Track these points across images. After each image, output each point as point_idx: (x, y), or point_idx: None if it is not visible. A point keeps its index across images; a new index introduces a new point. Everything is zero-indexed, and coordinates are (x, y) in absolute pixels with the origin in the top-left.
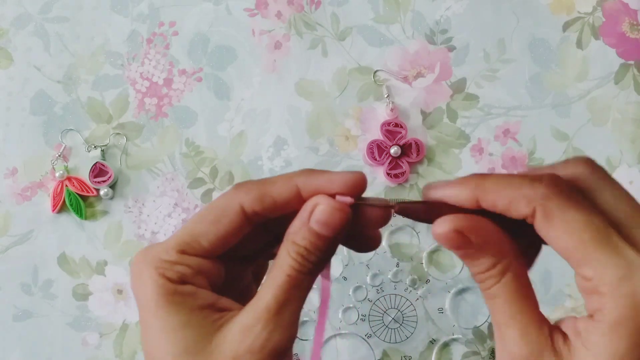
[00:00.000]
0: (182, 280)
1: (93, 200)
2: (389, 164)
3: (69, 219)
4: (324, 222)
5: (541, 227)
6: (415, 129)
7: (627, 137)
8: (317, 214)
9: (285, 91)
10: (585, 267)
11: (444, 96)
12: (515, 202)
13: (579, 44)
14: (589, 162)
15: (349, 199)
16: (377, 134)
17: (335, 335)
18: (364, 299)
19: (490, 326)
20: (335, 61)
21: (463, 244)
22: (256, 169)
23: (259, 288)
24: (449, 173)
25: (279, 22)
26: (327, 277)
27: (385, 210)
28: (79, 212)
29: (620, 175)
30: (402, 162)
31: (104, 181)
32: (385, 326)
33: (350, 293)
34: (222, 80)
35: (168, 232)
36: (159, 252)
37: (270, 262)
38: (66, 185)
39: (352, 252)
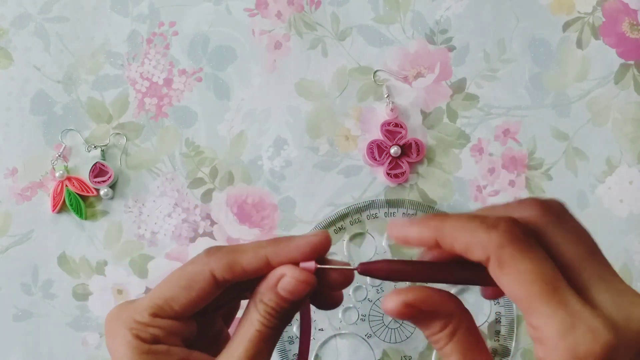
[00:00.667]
0: (155, 341)
1: (93, 200)
2: (389, 163)
3: (69, 219)
4: (289, 290)
5: (494, 273)
6: (415, 129)
7: (627, 137)
8: (283, 283)
9: (285, 91)
10: (532, 317)
11: (444, 96)
12: (471, 248)
13: (579, 44)
14: (542, 204)
15: (312, 266)
16: (377, 134)
17: (335, 335)
18: (364, 299)
19: (490, 326)
20: (335, 61)
21: (414, 314)
22: (256, 169)
23: (230, 342)
24: (449, 173)
25: (279, 22)
26: (307, 312)
27: (348, 272)
28: (79, 212)
29: (620, 175)
30: (402, 162)
31: (104, 181)
32: (385, 326)
33: (350, 293)
34: (222, 80)
35: (168, 232)
36: (132, 314)
37: (240, 311)
38: (66, 185)
39: (351, 252)
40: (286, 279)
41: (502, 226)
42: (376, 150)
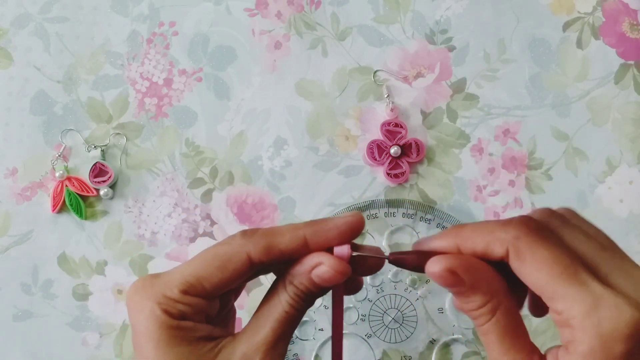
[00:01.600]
0: (182, 317)
1: (93, 200)
2: (389, 164)
3: (69, 219)
4: (324, 279)
5: (514, 265)
6: (415, 129)
7: (627, 137)
8: (320, 271)
9: (285, 91)
10: (555, 302)
11: (444, 96)
12: (490, 245)
13: (579, 44)
14: (552, 210)
15: (346, 251)
16: (377, 134)
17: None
18: (364, 299)
19: None
20: (335, 61)
21: (456, 282)
22: (256, 169)
23: (254, 319)
24: (449, 173)
25: (279, 22)
26: (340, 298)
27: (380, 259)
28: (79, 212)
29: (620, 175)
30: (402, 162)
31: (104, 181)
32: (385, 326)
33: None
34: (222, 80)
35: (168, 232)
36: (161, 289)
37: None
38: (66, 185)
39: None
40: (323, 267)
41: (516, 221)
42: (376, 150)
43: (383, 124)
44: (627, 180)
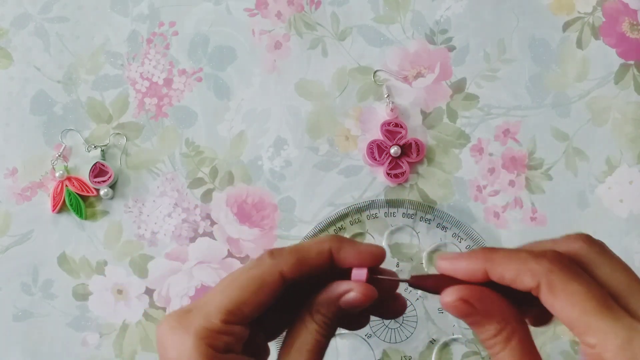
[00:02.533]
0: (227, 349)
1: (93, 200)
2: (389, 163)
3: (69, 219)
4: (353, 305)
5: (546, 299)
6: (415, 129)
7: (627, 137)
8: (349, 298)
9: (285, 91)
10: (588, 336)
11: (444, 96)
12: (521, 275)
13: (579, 44)
14: (587, 239)
15: (365, 274)
16: (377, 134)
17: (335, 336)
18: None
19: None
20: (335, 61)
21: (470, 312)
22: (256, 169)
23: (285, 352)
24: (449, 173)
25: (279, 22)
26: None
27: (396, 282)
28: (79, 212)
29: (620, 175)
30: (402, 162)
31: (104, 181)
32: (385, 326)
33: None
34: (222, 80)
35: (168, 232)
36: (200, 322)
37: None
38: (66, 185)
39: None
40: (352, 294)
41: (550, 255)
42: (376, 150)
43: (383, 124)
44: (627, 180)
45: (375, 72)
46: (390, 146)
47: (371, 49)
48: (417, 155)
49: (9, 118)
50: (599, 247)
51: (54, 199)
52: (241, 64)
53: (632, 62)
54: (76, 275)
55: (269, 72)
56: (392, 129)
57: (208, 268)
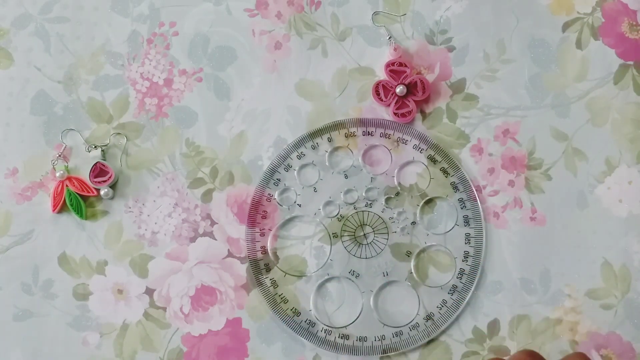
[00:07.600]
0: None
1: (93, 200)
2: (395, 103)
3: (69, 219)
4: None
5: None
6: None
7: (627, 137)
8: None
9: (285, 91)
10: None
11: (443, 96)
12: None
13: (579, 44)
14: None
15: None
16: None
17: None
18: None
19: (490, 325)
20: (335, 61)
21: None
22: (256, 169)
23: None
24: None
25: (279, 22)
26: None
27: None
28: (79, 212)
29: (620, 176)
30: (409, 101)
31: (104, 181)
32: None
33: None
34: (222, 80)
35: (168, 232)
36: None
37: None
38: (66, 185)
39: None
40: None
41: None
42: (382, 91)
43: (387, 64)
44: (626, 180)
45: (373, 13)
46: (396, 86)
47: (371, 49)
48: (423, 93)
49: (9, 118)
50: None
51: (54, 199)
52: (241, 64)
53: (631, 62)
54: (76, 275)
55: (269, 72)
56: (397, 68)
57: (208, 268)
